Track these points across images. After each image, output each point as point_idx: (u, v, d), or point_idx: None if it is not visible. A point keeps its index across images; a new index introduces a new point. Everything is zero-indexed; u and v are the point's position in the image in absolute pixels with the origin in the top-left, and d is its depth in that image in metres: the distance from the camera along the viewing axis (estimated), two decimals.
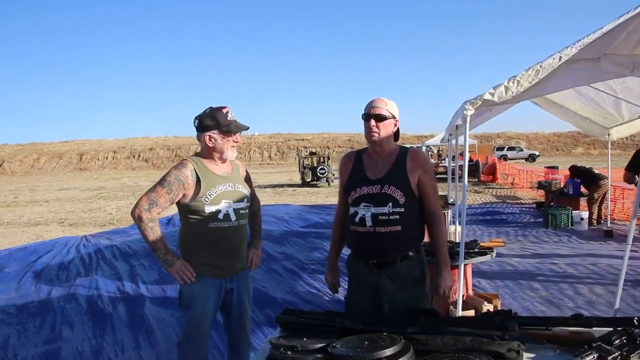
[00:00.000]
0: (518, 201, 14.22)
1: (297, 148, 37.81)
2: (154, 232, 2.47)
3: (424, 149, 29.21)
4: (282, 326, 2.01)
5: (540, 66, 3.55)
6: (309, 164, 24.90)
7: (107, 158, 58.97)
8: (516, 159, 39.23)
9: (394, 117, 2.43)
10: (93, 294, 5.66)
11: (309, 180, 23.87)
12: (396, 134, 2.49)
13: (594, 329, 1.78)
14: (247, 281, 2.78)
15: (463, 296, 3.96)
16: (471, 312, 3.89)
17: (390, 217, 2.31)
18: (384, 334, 1.69)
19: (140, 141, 61.60)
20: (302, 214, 12.25)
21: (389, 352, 1.55)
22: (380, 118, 2.38)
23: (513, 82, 3.62)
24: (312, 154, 27.15)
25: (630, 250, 6.70)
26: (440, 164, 23.54)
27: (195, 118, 2.59)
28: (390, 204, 2.32)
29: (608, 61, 3.74)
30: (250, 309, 2.81)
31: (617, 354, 1.52)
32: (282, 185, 24.68)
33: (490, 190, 18.28)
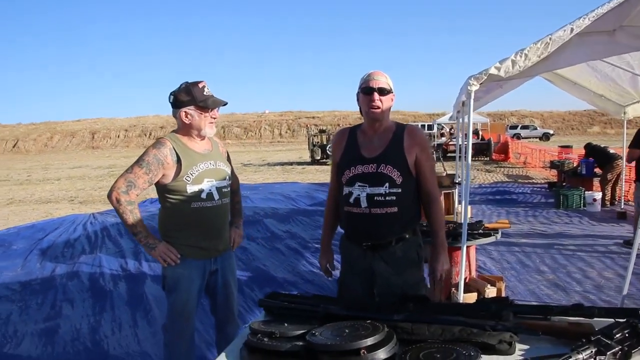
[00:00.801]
0: (530, 181, 14.00)
1: (307, 126, 37.57)
2: (133, 215, 2.36)
3: (435, 127, 28.96)
4: (267, 310, 1.93)
5: (550, 39, 3.35)
6: (318, 142, 24.80)
7: (118, 136, 59.33)
8: (530, 137, 38.62)
9: (392, 91, 2.29)
10: (95, 272, 5.66)
11: (319, 158, 23.79)
12: None
13: (596, 319, 1.67)
14: (231, 262, 2.69)
15: (466, 278, 3.85)
16: (474, 295, 3.79)
17: (387, 198, 2.19)
18: (368, 321, 1.60)
19: (152, 119, 61.63)
20: (310, 192, 12.18)
21: (369, 341, 1.45)
22: (383, 92, 2.24)
23: (521, 56, 3.43)
24: (321, 131, 27.04)
25: None
26: (451, 142, 23.23)
27: (171, 94, 2.46)
28: (387, 184, 2.19)
29: (624, 33, 3.55)
30: (236, 290, 2.73)
31: (617, 348, 1.41)
32: (291, 163, 24.64)
33: (502, 169, 18.04)
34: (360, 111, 2.32)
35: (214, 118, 2.50)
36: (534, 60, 3.47)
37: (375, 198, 2.19)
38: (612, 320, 1.58)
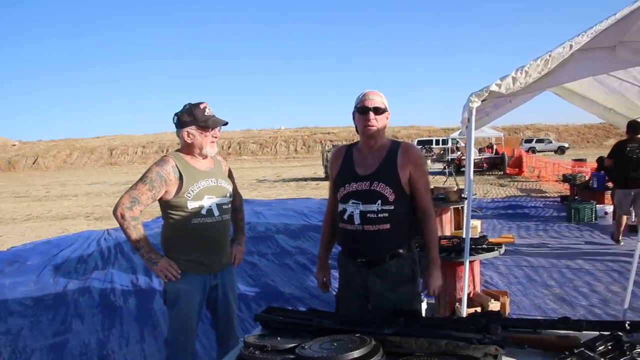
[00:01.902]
0: (543, 195, 13.87)
1: (322, 142, 37.71)
2: (137, 230, 2.44)
3: (449, 141, 28.89)
4: (263, 325, 1.98)
5: (550, 56, 3.39)
6: None
7: (136, 153, 60.18)
8: (545, 151, 38.33)
9: (387, 110, 2.35)
10: (107, 287, 5.75)
11: None
12: None
13: (584, 332, 1.69)
14: (232, 277, 2.75)
15: (470, 293, 3.85)
16: (477, 310, 3.78)
17: (379, 215, 2.24)
18: (357, 335, 1.64)
19: (169, 136, 62.41)
20: (323, 208, 12.05)
21: (357, 353, 1.49)
22: (378, 111, 2.30)
23: (521, 73, 3.47)
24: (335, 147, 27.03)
25: None
26: (463, 157, 23.14)
27: (174, 115, 2.57)
28: (379, 201, 2.24)
29: (625, 49, 3.57)
30: (236, 305, 2.78)
31: None
32: (305, 179, 24.71)
33: (516, 183, 17.89)
34: (357, 129, 2.37)
35: (215, 137, 2.59)
36: (535, 77, 3.51)
37: (368, 215, 2.24)
38: (598, 333, 1.60)
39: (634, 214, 7.24)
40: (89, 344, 4.09)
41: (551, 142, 42.43)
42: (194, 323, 2.57)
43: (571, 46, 3.35)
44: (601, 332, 1.57)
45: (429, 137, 40.18)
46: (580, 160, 15.83)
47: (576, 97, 7.12)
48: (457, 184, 8.82)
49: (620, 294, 4.72)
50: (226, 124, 2.61)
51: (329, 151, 25.76)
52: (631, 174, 6.60)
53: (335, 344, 1.58)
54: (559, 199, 12.03)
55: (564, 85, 6.38)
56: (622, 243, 6.95)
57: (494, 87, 3.58)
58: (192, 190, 2.50)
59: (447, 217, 7.00)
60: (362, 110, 2.30)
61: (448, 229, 6.91)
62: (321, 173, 25.52)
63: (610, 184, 9.46)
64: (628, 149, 6.68)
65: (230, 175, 2.79)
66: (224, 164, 2.80)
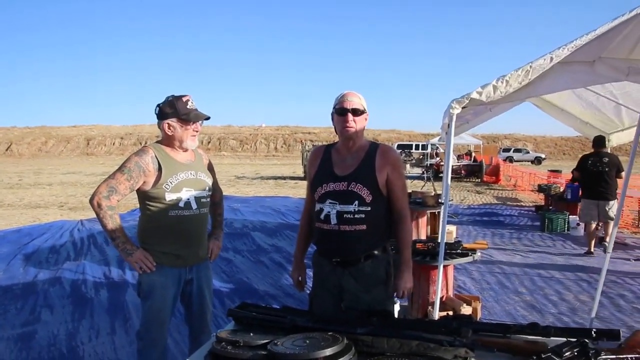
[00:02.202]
0: (518, 203, 14.11)
1: (302, 141, 37.71)
2: (113, 220, 2.41)
3: (429, 147, 29.15)
4: (236, 320, 1.97)
5: (530, 67, 3.45)
6: None
7: (114, 144, 59.25)
8: (522, 161, 38.91)
9: (365, 111, 2.36)
10: (78, 279, 5.65)
11: None
12: None
13: (552, 338, 1.73)
14: (208, 272, 2.73)
15: (442, 297, 3.90)
16: (449, 313, 3.83)
17: (356, 216, 2.25)
18: (329, 333, 1.65)
19: (148, 128, 61.53)
20: (300, 207, 12.07)
21: (328, 351, 1.50)
22: (357, 112, 2.31)
23: (502, 82, 3.52)
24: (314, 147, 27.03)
25: (623, 259, 6.76)
26: (442, 163, 23.38)
27: (157, 106, 2.54)
28: (356, 202, 2.25)
29: (603, 65, 3.66)
30: (211, 301, 2.77)
31: None
32: (284, 178, 24.69)
33: (492, 191, 18.16)
34: (335, 130, 2.38)
35: (196, 131, 2.57)
36: (515, 87, 3.57)
37: (345, 215, 2.25)
38: (565, 339, 1.64)
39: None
40: (58, 335, 4.01)
41: (528, 152, 43.14)
42: (167, 316, 2.54)
43: (552, 58, 3.42)
44: (568, 339, 1.61)
45: (409, 141, 40.47)
46: (555, 171, 16.13)
47: (554, 110, 7.27)
48: (434, 189, 8.91)
49: (588, 303, 4.83)
50: (208, 118, 2.60)
51: (308, 151, 25.73)
52: (594, 186, 7.13)
53: (307, 342, 1.59)
54: (533, 209, 12.26)
55: (544, 97, 6.51)
56: (594, 254, 7.11)
57: (474, 95, 3.62)
58: (171, 182, 2.48)
59: (424, 222, 7.08)
60: (341, 112, 2.31)
61: (424, 233, 6.98)
62: (300, 172, 25.51)
63: None
64: (589, 162, 7.20)
65: (210, 169, 2.77)
66: (205, 157, 2.78)
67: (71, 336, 4.00)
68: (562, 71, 3.70)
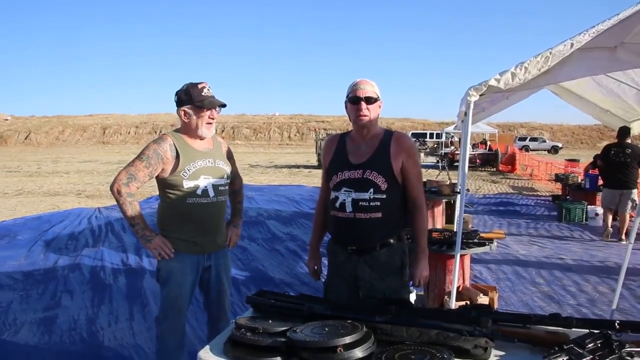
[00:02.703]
0: (534, 193, 13.96)
1: (316, 130, 37.65)
2: (133, 206, 2.44)
3: (444, 136, 28.90)
4: (254, 307, 1.98)
5: (550, 53, 3.38)
6: None
7: (129, 133, 59.71)
8: (538, 150, 38.44)
9: (379, 99, 2.34)
10: (97, 265, 5.74)
11: None
12: None
13: (573, 330, 1.71)
14: (226, 260, 2.74)
15: (459, 287, 3.88)
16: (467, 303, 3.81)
17: (371, 204, 2.24)
18: (348, 321, 1.65)
19: (163, 117, 61.89)
20: (314, 196, 12.12)
21: (348, 339, 1.51)
22: (370, 100, 2.29)
23: (521, 69, 3.46)
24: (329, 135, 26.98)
25: None
26: (457, 152, 23.19)
27: (175, 93, 2.55)
28: (372, 189, 2.24)
29: (625, 50, 3.57)
30: (229, 288, 2.79)
31: (588, 357, 1.44)
32: (298, 166, 24.71)
33: (508, 180, 17.99)
34: (349, 118, 2.37)
35: (212, 119, 2.57)
36: (535, 74, 3.50)
37: (360, 203, 2.24)
38: (588, 330, 1.62)
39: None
40: (78, 320, 4.09)
41: (545, 141, 42.59)
42: (185, 303, 2.57)
43: (572, 44, 3.34)
44: (591, 330, 1.59)
45: (424, 130, 40.19)
46: (573, 161, 15.91)
47: (573, 97, 7.13)
48: (449, 178, 8.83)
49: (607, 294, 4.78)
50: (224, 105, 2.59)
51: (322, 139, 25.69)
52: (616, 175, 7.31)
53: (326, 329, 1.59)
54: (550, 198, 12.10)
55: (562, 84, 6.39)
56: (609, 237, 7.39)
57: (492, 82, 3.57)
58: (188, 170, 2.49)
59: (439, 211, 7.02)
60: (354, 100, 2.29)
61: (440, 222, 6.93)
62: (314, 161, 25.52)
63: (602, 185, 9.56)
64: (612, 152, 7.33)
65: (230, 157, 2.77)
66: (224, 145, 2.79)
67: (91, 321, 4.07)
68: (582, 57, 3.61)
